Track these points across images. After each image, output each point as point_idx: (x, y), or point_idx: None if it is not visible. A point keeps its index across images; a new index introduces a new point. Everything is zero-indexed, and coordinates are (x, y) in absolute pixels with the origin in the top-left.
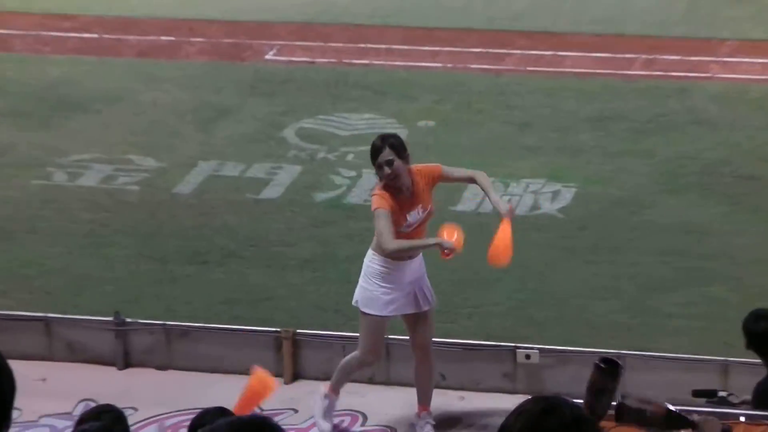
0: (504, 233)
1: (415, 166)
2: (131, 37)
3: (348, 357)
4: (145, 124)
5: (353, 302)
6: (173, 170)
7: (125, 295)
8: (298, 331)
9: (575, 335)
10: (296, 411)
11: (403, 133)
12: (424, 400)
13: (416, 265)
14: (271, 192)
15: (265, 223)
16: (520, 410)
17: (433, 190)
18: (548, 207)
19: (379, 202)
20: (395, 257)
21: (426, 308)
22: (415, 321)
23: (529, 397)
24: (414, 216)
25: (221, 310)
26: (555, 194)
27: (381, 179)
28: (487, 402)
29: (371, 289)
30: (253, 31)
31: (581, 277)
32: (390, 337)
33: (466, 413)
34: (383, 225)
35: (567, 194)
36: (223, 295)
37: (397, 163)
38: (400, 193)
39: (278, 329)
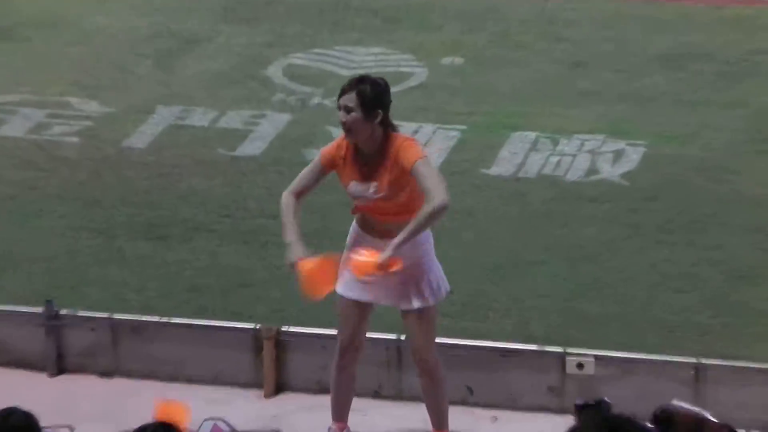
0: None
1: (402, 139)
2: None
3: None
4: (88, 58)
5: None
6: (124, 117)
7: (60, 279)
8: (282, 329)
9: (642, 338)
10: None
11: (422, 73)
12: (436, 422)
13: (404, 249)
14: (250, 148)
15: (243, 187)
16: None
17: (401, 179)
18: (609, 171)
19: (326, 148)
20: (361, 227)
21: (405, 307)
22: (408, 320)
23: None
24: (358, 189)
25: (184, 300)
26: (617, 155)
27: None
28: (527, 424)
29: (345, 252)
30: None
31: (650, 263)
32: (402, 338)
33: None
34: (303, 170)
35: (633, 155)
36: (188, 281)
37: (356, 116)
38: (361, 152)
39: (257, 325)
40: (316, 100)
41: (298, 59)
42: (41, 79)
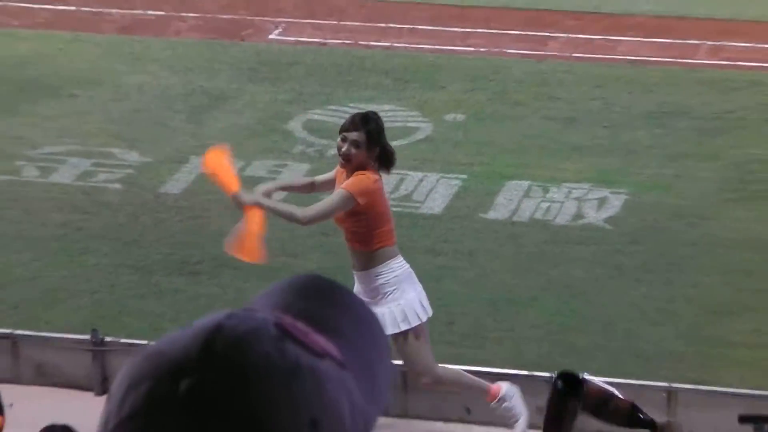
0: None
1: (363, 173)
2: (113, 11)
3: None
4: (127, 113)
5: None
6: (160, 166)
7: (104, 311)
8: None
9: (623, 365)
10: None
11: (428, 128)
12: (480, 394)
13: (362, 284)
14: (273, 195)
15: (267, 229)
16: None
17: (359, 209)
18: (594, 216)
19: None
20: None
21: (390, 331)
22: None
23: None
24: None
25: None
26: (602, 201)
27: (339, 152)
28: None
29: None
30: (254, 5)
31: (631, 299)
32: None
33: None
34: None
35: (616, 202)
36: None
37: (361, 152)
38: (344, 168)
39: None
40: (332, 151)
41: (316, 115)
42: (86, 131)
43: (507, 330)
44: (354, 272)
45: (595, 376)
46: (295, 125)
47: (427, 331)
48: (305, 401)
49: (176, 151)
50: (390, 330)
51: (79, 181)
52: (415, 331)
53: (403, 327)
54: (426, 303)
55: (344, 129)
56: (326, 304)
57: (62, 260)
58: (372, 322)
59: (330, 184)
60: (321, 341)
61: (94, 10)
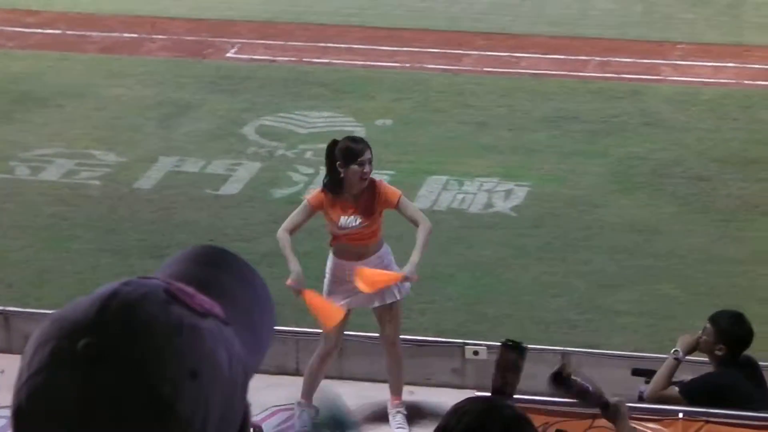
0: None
1: (381, 181)
2: (94, 33)
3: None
4: (107, 120)
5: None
6: (134, 165)
7: (86, 289)
8: None
9: (526, 332)
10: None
11: (361, 132)
12: (394, 390)
13: (371, 266)
14: (230, 188)
15: (224, 218)
16: (459, 410)
17: (381, 211)
18: (501, 205)
19: (312, 197)
20: (339, 256)
21: (390, 300)
22: (381, 314)
23: (467, 398)
24: (347, 221)
25: None
26: (508, 193)
27: (353, 176)
28: (436, 396)
29: (326, 278)
30: (215, 28)
31: (533, 275)
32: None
33: (416, 407)
34: (293, 213)
35: (520, 193)
36: None
37: (371, 167)
38: (341, 195)
39: None
40: (280, 152)
41: (267, 121)
42: (71, 136)
43: (429, 302)
44: (358, 262)
45: (501, 340)
46: (249, 130)
47: None
48: (186, 354)
49: (148, 153)
50: (399, 297)
51: (65, 179)
52: (401, 304)
53: (399, 297)
54: None
55: (361, 153)
56: (216, 269)
57: (51, 246)
58: (256, 284)
59: (303, 221)
60: (206, 303)
61: (78, 33)
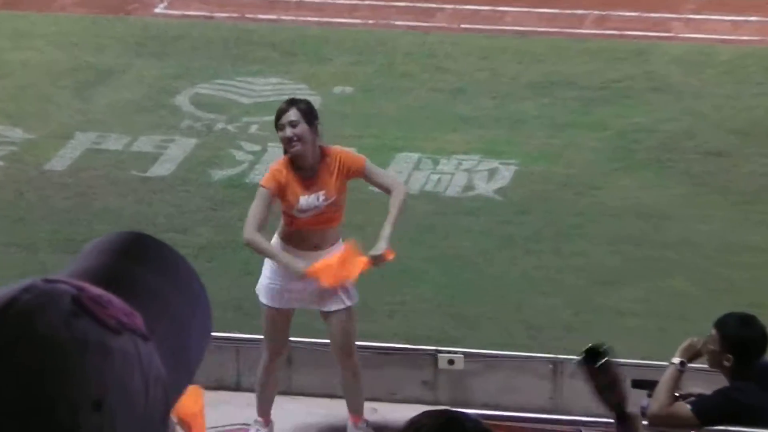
0: (345, 258)
1: (337, 148)
2: None
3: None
4: (12, 89)
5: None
6: (45, 143)
7: None
8: None
9: (512, 337)
10: None
11: (316, 101)
12: (353, 408)
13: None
14: (160, 169)
15: (153, 205)
16: (414, 425)
17: (346, 181)
18: (484, 187)
19: (266, 179)
20: (293, 245)
21: (335, 308)
22: (327, 319)
23: (423, 411)
24: (309, 201)
25: None
26: (492, 173)
27: (283, 144)
28: (404, 414)
29: (265, 275)
30: None
31: (520, 270)
32: (291, 339)
33: (379, 427)
34: (253, 207)
35: (505, 173)
36: None
37: (303, 127)
38: (301, 170)
39: None
40: (220, 126)
41: (203, 89)
42: None
43: (397, 303)
44: (315, 254)
45: (484, 348)
46: (183, 100)
47: None
48: (89, 380)
49: (62, 127)
50: (350, 303)
51: None
52: (354, 310)
53: (348, 303)
54: None
55: (277, 119)
56: (138, 264)
57: None
58: (188, 280)
59: (267, 213)
60: (121, 313)
61: None
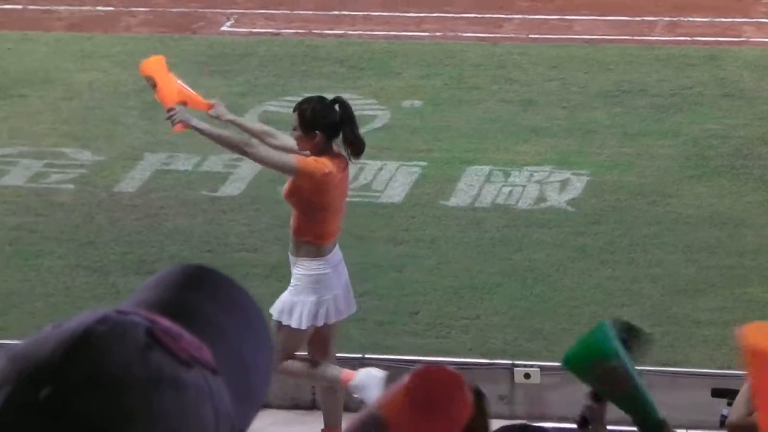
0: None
1: (317, 158)
2: (61, 8)
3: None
4: (80, 111)
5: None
6: (114, 165)
7: (60, 314)
8: None
9: None
10: None
11: (385, 115)
12: (333, 423)
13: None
14: (230, 188)
15: (224, 224)
16: None
17: (297, 188)
18: (556, 199)
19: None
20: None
21: (351, 311)
22: (330, 332)
23: (500, 426)
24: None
25: None
26: (564, 183)
27: None
28: None
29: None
30: None
31: (595, 281)
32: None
33: None
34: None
35: (577, 183)
36: None
37: (297, 134)
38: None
39: None
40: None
41: (271, 106)
42: (37, 132)
43: (471, 318)
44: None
45: (560, 361)
46: (251, 118)
47: (306, 339)
48: (163, 414)
49: (130, 149)
50: (274, 314)
51: (32, 183)
52: (290, 331)
53: (281, 319)
54: (322, 313)
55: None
56: (208, 298)
57: (16, 264)
58: (253, 316)
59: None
60: (192, 347)
61: (41, 8)
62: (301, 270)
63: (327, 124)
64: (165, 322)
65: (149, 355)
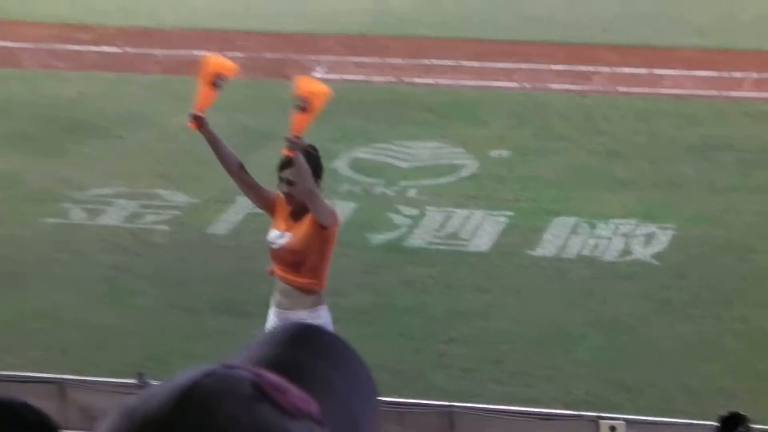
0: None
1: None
2: (157, 51)
3: None
4: (174, 153)
5: None
6: (207, 207)
7: (151, 352)
8: None
9: (672, 403)
10: None
11: (473, 165)
12: None
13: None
14: None
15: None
16: None
17: (313, 233)
18: (641, 252)
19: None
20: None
21: None
22: None
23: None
24: (273, 235)
25: None
26: (649, 237)
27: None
28: None
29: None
30: (299, 43)
31: (680, 334)
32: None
33: None
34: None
35: (663, 237)
36: None
37: (299, 188)
38: (289, 204)
39: None
40: (378, 189)
41: (362, 153)
42: (133, 172)
43: (555, 368)
44: (276, 310)
45: (643, 414)
46: (341, 164)
47: None
48: None
49: (223, 192)
50: None
51: (127, 223)
52: None
53: None
54: None
55: (281, 168)
56: (315, 355)
57: (111, 302)
58: (360, 371)
59: (255, 187)
60: (299, 400)
61: (138, 51)
62: (323, 321)
63: (321, 170)
64: (271, 376)
65: (256, 408)
